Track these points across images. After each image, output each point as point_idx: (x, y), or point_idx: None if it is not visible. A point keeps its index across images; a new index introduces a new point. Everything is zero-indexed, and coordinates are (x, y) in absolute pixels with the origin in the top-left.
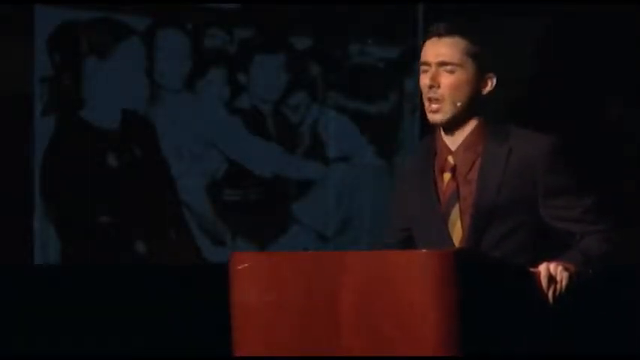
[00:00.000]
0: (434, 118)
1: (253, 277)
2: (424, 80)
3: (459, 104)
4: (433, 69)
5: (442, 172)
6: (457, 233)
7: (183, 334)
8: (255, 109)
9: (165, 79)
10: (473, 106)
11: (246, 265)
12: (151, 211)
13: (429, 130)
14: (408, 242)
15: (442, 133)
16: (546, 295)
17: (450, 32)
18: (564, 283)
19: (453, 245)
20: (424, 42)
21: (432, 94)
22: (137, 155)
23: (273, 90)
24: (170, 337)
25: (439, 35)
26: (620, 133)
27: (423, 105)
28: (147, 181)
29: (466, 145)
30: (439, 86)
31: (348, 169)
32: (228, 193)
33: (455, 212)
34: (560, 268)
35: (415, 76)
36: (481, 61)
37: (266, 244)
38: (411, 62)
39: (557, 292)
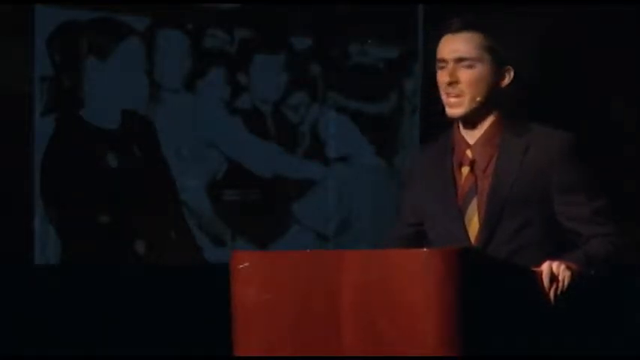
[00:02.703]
0: (453, 112)
1: (254, 276)
2: (442, 77)
3: (478, 99)
4: (451, 65)
5: (460, 166)
6: (473, 228)
7: (184, 334)
8: (255, 109)
9: (165, 79)
10: (492, 99)
11: (246, 264)
12: (151, 211)
13: (429, 130)
14: (415, 239)
15: (460, 127)
16: (548, 294)
17: (464, 27)
18: (566, 282)
19: (469, 240)
20: (438, 39)
21: (451, 90)
22: (137, 155)
23: (273, 90)
24: (170, 337)
25: (454, 31)
26: (621, 133)
27: (422, 105)
28: (147, 181)
29: (485, 138)
30: (458, 82)
31: (348, 169)
32: (228, 193)
33: (472, 206)
34: (562, 267)
35: (415, 76)
36: (498, 54)
37: (266, 244)
38: (411, 63)
39: (559, 291)
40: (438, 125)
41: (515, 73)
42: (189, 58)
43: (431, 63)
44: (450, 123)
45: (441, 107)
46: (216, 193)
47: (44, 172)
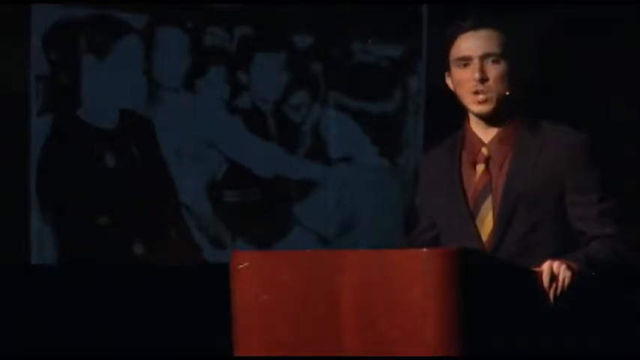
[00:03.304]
0: (481, 109)
1: (254, 276)
2: (468, 74)
3: (506, 94)
4: (476, 62)
5: (474, 164)
6: (487, 226)
7: (184, 334)
8: (255, 109)
9: (164, 77)
10: (514, 97)
11: (247, 264)
12: (150, 212)
13: (433, 129)
14: (436, 243)
15: (473, 126)
16: (548, 294)
17: (485, 25)
18: (566, 281)
19: (480, 239)
20: (453, 38)
21: (480, 87)
22: (135, 156)
23: (274, 89)
24: (170, 337)
25: (475, 28)
26: (621, 133)
27: (427, 104)
28: (145, 182)
29: (500, 137)
30: (487, 79)
31: (350, 170)
32: (228, 194)
33: (487, 204)
34: (563, 266)
35: (419, 74)
36: (515, 52)
37: (266, 246)
38: (415, 61)
39: (559, 291)
40: (442, 125)
41: (527, 71)
42: (189, 57)
43: (436, 63)
44: (456, 122)
45: (459, 105)
46: (216, 194)
47: (41, 172)
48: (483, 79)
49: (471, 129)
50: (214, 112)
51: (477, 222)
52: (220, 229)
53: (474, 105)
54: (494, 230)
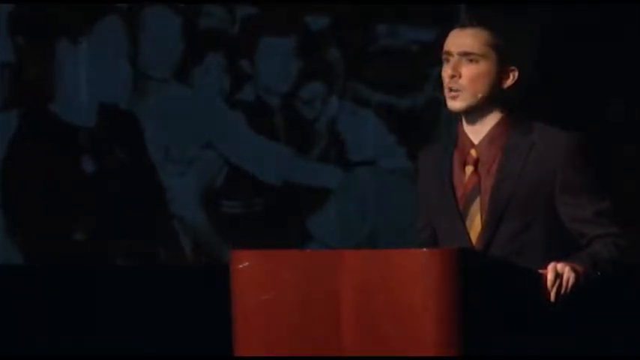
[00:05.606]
0: (453, 105)
1: (254, 276)
2: (446, 70)
3: (479, 95)
4: (455, 59)
5: (464, 165)
6: (476, 228)
7: (184, 334)
8: (260, 103)
9: (151, 66)
10: (494, 98)
11: (246, 264)
12: (136, 225)
13: None
14: (432, 242)
15: (465, 126)
16: (550, 295)
17: (472, 23)
18: (571, 282)
19: (470, 240)
20: (447, 34)
21: (452, 84)
22: (118, 158)
23: (283, 80)
24: (170, 337)
25: (462, 26)
26: (621, 133)
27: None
28: (130, 189)
29: (490, 138)
30: (460, 76)
31: (372, 176)
32: (227, 204)
33: (475, 206)
34: (567, 268)
35: None
36: (503, 53)
37: None
38: None
39: (563, 292)
40: None
41: (520, 74)
42: (182, 42)
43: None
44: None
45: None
46: (214, 202)
47: (5, 177)
48: (454, 76)
49: (462, 129)
50: (212, 107)
51: (467, 223)
52: (218, 244)
53: (448, 100)
54: (482, 232)
